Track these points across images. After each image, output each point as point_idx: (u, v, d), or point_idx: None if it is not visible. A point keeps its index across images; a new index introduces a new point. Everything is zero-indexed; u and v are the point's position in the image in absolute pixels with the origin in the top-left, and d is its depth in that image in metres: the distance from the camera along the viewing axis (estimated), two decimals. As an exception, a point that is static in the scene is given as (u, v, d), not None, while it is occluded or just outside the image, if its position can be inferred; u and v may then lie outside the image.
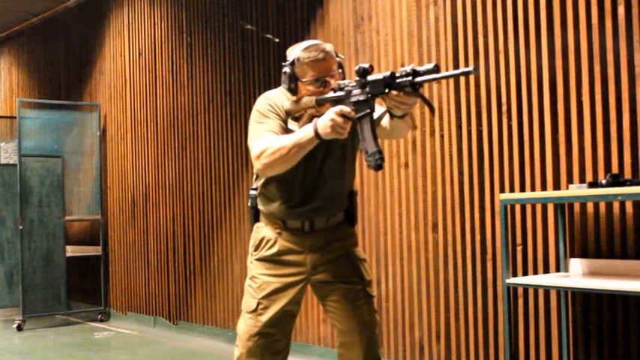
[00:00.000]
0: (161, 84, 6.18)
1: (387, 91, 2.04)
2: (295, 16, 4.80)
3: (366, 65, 2.11)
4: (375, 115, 2.25)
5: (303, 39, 4.38)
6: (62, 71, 7.85)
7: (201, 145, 5.68)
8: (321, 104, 2.24)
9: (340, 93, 2.17)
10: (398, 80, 2.02)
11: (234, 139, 5.27)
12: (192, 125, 5.78)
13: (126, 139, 6.68)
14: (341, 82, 2.21)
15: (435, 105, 3.86)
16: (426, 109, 3.90)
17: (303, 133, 2.17)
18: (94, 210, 6.93)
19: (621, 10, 3.09)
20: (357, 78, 2.13)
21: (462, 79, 3.72)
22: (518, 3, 3.48)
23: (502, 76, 3.56)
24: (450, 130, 3.80)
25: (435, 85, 3.86)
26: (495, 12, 3.59)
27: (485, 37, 3.63)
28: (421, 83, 1.99)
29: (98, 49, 7.15)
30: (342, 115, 2.07)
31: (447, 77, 2.00)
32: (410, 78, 1.99)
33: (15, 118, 7.04)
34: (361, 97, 2.10)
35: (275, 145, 2.21)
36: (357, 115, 2.10)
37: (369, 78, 2.09)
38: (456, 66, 3.76)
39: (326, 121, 2.09)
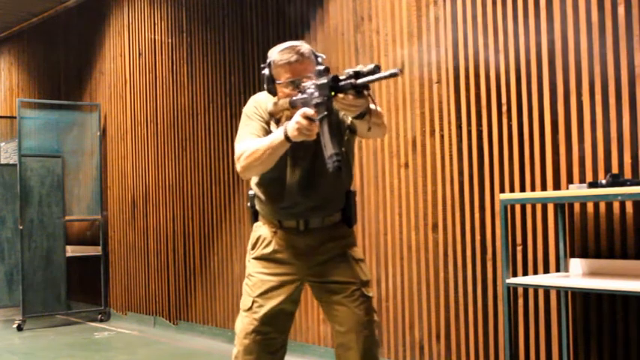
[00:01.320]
0: (161, 84, 6.18)
1: (333, 94, 2.07)
2: (295, 16, 4.80)
3: (322, 67, 2.14)
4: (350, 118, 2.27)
5: (303, 39, 4.39)
6: (62, 71, 7.85)
7: (201, 145, 5.68)
8: (293, 106, 2.26)
9: (305, 95, 2.19)
10: (341, 83, 2.05)
11: (234, 140, 5.26)
12: (192, 125, 5.78)
13: (126, 139, 6.68)
14: (304, 83, 2.22)
15: (435, 105, 3.86)
16: (426, 109, 3.91)
17: (275, 136, 2.22)
18: (94, 210, 6.93)
19: (621, 10, 3.09)
20: (316, 79, 2.15)
21: (462, 79, 3.72)
22: (518, 3, 3.48)
23: (502, 76, 3.56)
24: (450, 130, 3.80)
25: (435, 84, 3.86)
26: (495, 12, 3.59)
27: (485, 37, 3.63)
28: (365, 85, 2.02)
29: (98, 49, 7.15)
30: (307, 117, 2.09)
31: (380, 79, 2.00)
32: (352, 81, 2.02)
33: (15, 118, 7.04)
34: (319, 100, 2.12)
35: (251, 147, 2.28)
36: (318, 117, 2.11)
37: (317, 82, 2.12)
38: (456, 66, 3.76)
39: (293, 124, 2.12)
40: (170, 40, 6.08)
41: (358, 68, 2.03)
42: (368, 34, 4.28)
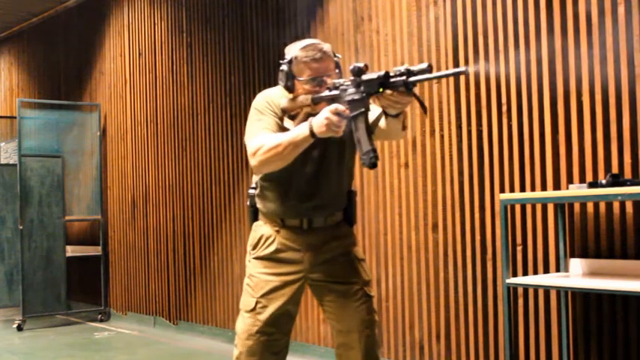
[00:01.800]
0: (161, 84, 6.18)
1: (381, 90, 2.06)
2: (295, 16, 4.80)
3: (361, 64, 2.13)
4: (373, 116, 2.27)
5: (303, 39, 4.38)
6: (62, 71, 7.85)
7: (201, 145, 5.68)
8: (316, 103, 2.25)
9: (335, 92, 2.19)
10: (392, 80, 2.04)
11: (234, 140, 5.27)
12: (192, 125, 5.78)
13: (126, 139, 6.69)
14: (336, 80, 2.22)
15: (435, 105, 3.86)
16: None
17: (298, 131, 2.19)
18: (94, 210, 6.93)
19: (621, 10, 3.09)
20: (352, 77, 2.14)
21: (462, 79, 3.72)
22: (518, 3, 3.49)
23: (502, 76, 3.56)
24: (450, 130, 3.80)
25: (434, 84, 3.86)
26: (495, 12, 3.59)
27: (485, 37, 3.63)
28: (415, 83, 2.01)
29: (98, 49, 7.15)
30: (337, 113, 2.09)
31: (439, 77, 2.03)
32: (404, 78, 2.01)
33: (15, 118, 7.04)
34: (356, 96, 2.12)
35: (270, 142, 2.22)
36: (352, 114, 2.11)
37: (364, 77, 2.11)
38: (456, 66, 3.75)
39: (321, 120, 2.11)
40: (170, 40, 6.08)
41: (405, 66, 2.02)
42: (368, 34, 4.28)
